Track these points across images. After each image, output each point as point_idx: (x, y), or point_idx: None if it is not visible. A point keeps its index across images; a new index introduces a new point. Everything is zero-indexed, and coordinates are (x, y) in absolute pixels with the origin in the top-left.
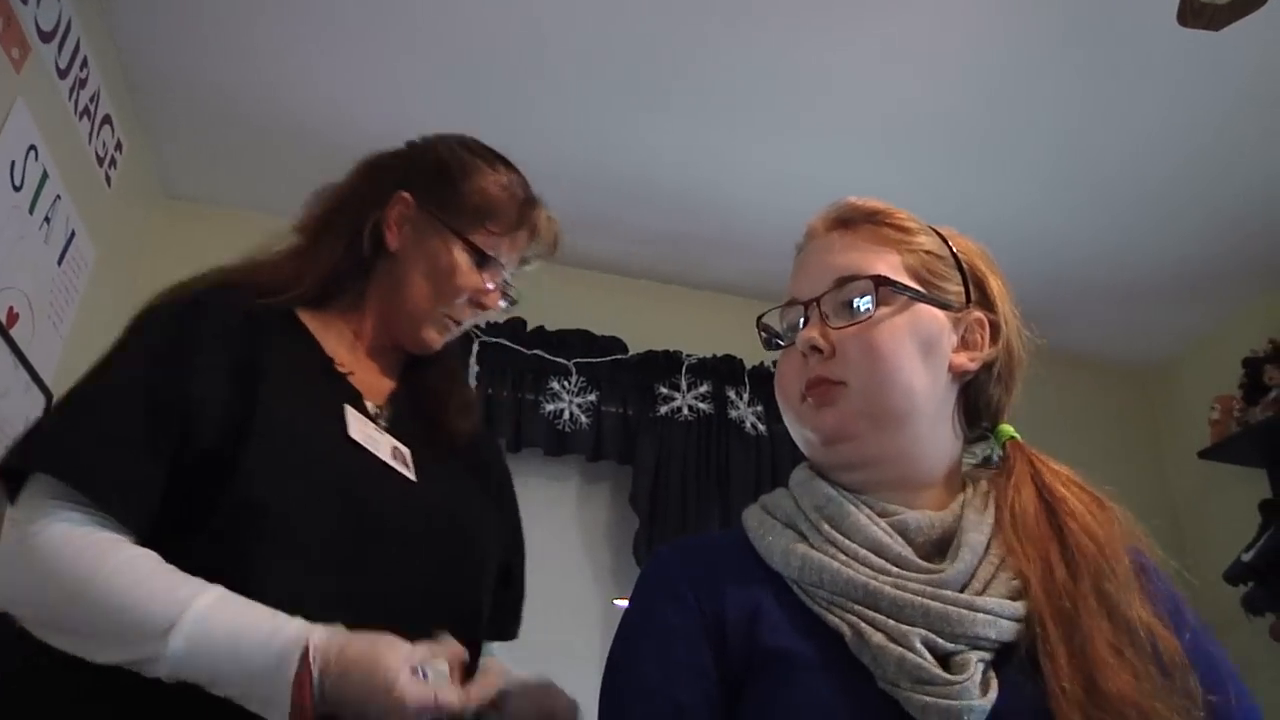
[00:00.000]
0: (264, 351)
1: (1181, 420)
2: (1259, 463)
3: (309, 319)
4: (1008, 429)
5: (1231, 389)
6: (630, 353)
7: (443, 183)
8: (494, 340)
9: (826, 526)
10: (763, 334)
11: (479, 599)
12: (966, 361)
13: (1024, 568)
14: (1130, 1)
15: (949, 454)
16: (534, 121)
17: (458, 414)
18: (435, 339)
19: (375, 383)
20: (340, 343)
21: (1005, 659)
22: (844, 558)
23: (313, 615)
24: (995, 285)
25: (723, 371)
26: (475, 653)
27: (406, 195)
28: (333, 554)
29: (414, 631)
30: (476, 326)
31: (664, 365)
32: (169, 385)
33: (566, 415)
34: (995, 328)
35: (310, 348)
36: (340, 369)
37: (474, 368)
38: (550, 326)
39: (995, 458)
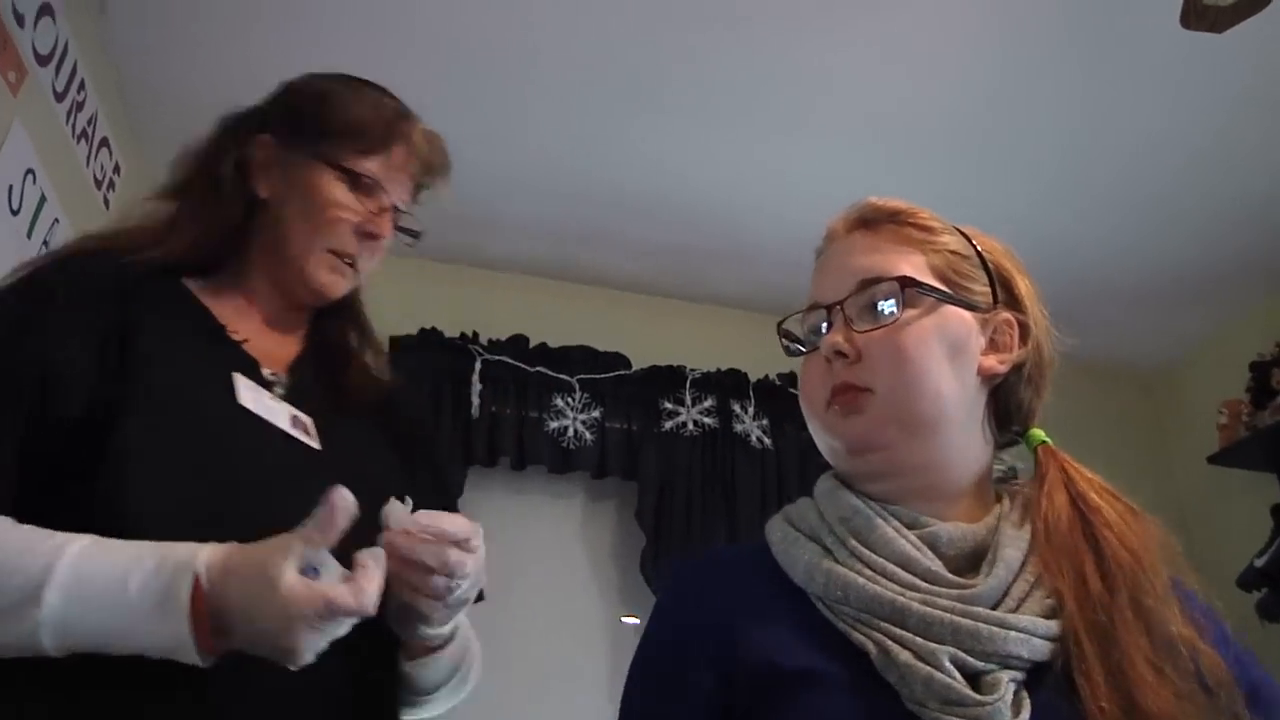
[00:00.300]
0: (143, 316)
1: (1189, 425)
2: (1268, 467)
3: (200, 291)
4: (1039, 434)
5: (1238, 393)
6: (634, 368)
7: (302, 115)
8: (496, 358)
9: (852, 540)
10: (784, 340)
11: None
12: (996, 364)
13: (1057, 580)
14: (1132, 3)
15: (979, 461)
16: (531, 134)
17: (360, 374)
18: (328, 280)
19: (274, 349)
20: (235, 312)
21: (1038, 679)
22: (870, 573)
23: None
24: (1023, 285)
25: (727, 385)
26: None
27: (267, 137)
28: (216, 530)
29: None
30: (478, 344)
31: (668, 380)
32: (21, 351)
33: (571, 432)
34: (1024, 328)
35: (198, 316)
36: (233, 336)
37: (476, 385)
38: (553, 343)
39: (1010, 472)
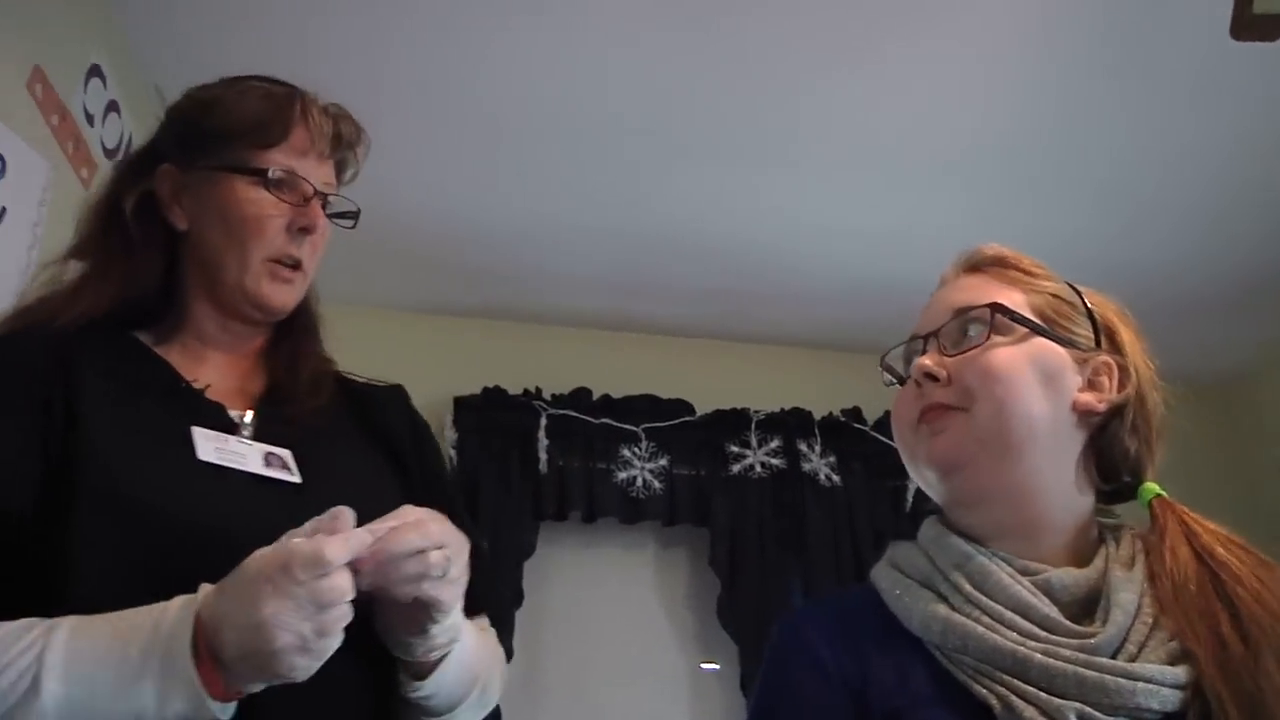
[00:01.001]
0: (85, 386)
1: (1268, 434)
2: None
3: (153, 343)
4: (1153, 487)
5: None
6: (698, 413)
7: (192, 131)
8: (561, 412)
9: (968, 586)
10: (885, 373)
11: None
12: (1093, 401)
13: (1190, 642)
14: (1171, 15)
15: (1077, 504)
16: (580, 188)
17: (309, 394)
18: (276, 292)
19: (240, 386)
20: (189, 356)
21: None
22: (989, 621)
23: None
24: (1127, 335)
25: (792, 425)
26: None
27: (166, 167)
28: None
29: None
30: (542, 400)
31: (733, 423)
32: None
33: (640, 482)
34: (1125, 372)
35: (152, 370)
36: (194, 385)
37: (543, 441)
38: (615, 394)
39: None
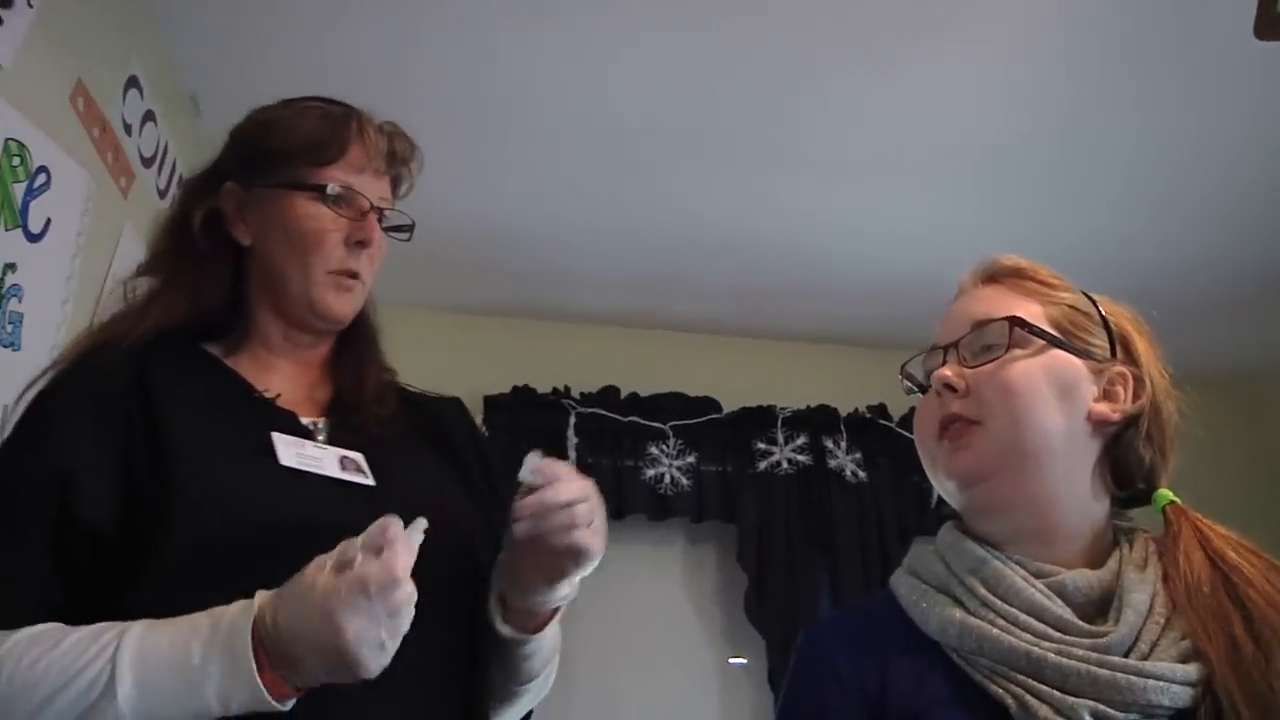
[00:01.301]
0: (166, 399)
1: None
2: None
3: (222, 354)
4: (1166, 494)
5: None
6: (725, 411)
7: (255, 151)
8: (589, 410)
9: (983, 590)
10: (905, 381)
11: (471, 581)
12: (1108, 411)
13: (1204, 644)
14: (1195, 16)
15: (1092, 511)
16: (608, 189)
17: (375, 404)
18: (335, 301)
19: (309, 394)
20: (258, 366)
21: None
22: (1003, 623)
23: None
24: (1142, 345)
25: (818, 421)
26: (483, 632)
27: (231, 185)
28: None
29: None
30: (570, 399)
31: (759, 420)
32: (40, 459)
33: (667, 479)
34: (1139, 382)
35: (225, 381)
36: (265, 394)
37: (572, 439)
38: (643, 392)
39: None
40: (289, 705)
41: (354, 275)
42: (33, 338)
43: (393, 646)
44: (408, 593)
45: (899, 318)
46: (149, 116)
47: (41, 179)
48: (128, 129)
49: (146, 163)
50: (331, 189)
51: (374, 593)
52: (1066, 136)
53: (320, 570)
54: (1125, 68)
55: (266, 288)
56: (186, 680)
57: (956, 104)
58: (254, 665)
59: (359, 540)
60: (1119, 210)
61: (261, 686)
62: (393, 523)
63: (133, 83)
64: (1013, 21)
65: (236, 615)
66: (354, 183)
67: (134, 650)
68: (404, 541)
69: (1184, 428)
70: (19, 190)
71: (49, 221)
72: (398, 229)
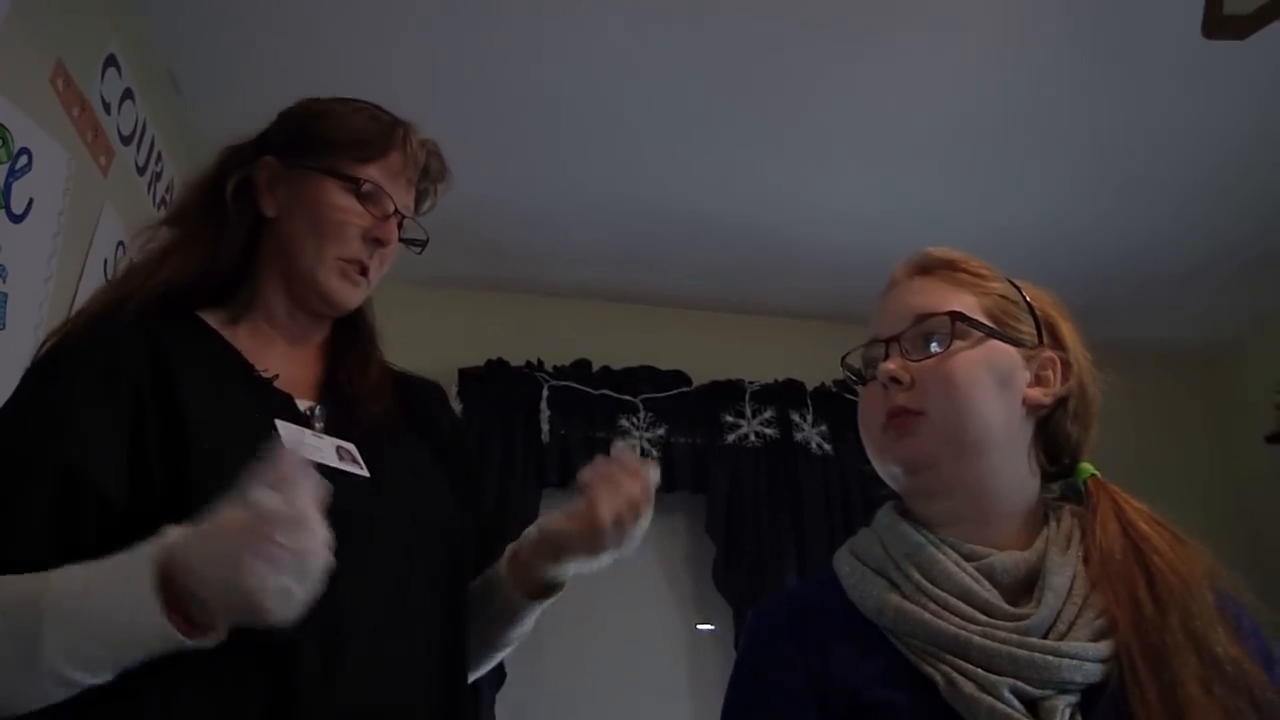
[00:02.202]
0: (172, 379)
1: (1246, 406)
2: None
3: (220, 324)
4: (1088, 467)
5: None
6: (694, 384)
7: (303, 133)
8: (562, 383)
9: (916, 574)
10: (845, 372)
11: (456, 570)
12: (1040, 396)
13: (1112, 607)
14: (1153, 10)
15: (1027, 489)
16: (583, 165)
17: (373, 400)
18: (339, 287)
19: (303, 377)
20: (256, 339)
21: (1093, 700)
22: (935, 607)
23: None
24: (1066, 329)
25: (785, 395)
26: (465, 632)
27: (270, 158)
28: None
29: (408, 626)
30: (544, 371)
31: (728, 394)
32: (49, 427)
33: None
34: (1067, 366)
35: (224, 356)
36: (264, 374)
37: (545, 412)
38: (615, 365)
39: (1062, 491)
40: (212, 641)
41: (363, 270)
42: (17, 316)
43: (303, 592)
44: (319, 539)
45: (864, 294)
46: (128, 94)
47: (23, 160)
48: (106, 107)
49: (125, 140)
50: (365, 185)
51: (279, 536)
52: (1029, 121)
53: (231, 512)
54: (1095, 53)
55: (278, 261)
56: (98, 620)
57: (923, 88)
58: (159, 606)
59: (266, 479)
60: (1080, 192)
61: (170, 628)
62: (293, 457)
63: (111, 61)
64: (979, 8)
65: (143, 556)
66: (387, 185)
67: (58, 589)
68: (313, 485)
69: (1156, 393)
70: (2, 172)
71: (31, 202)
72: (412, 241)
